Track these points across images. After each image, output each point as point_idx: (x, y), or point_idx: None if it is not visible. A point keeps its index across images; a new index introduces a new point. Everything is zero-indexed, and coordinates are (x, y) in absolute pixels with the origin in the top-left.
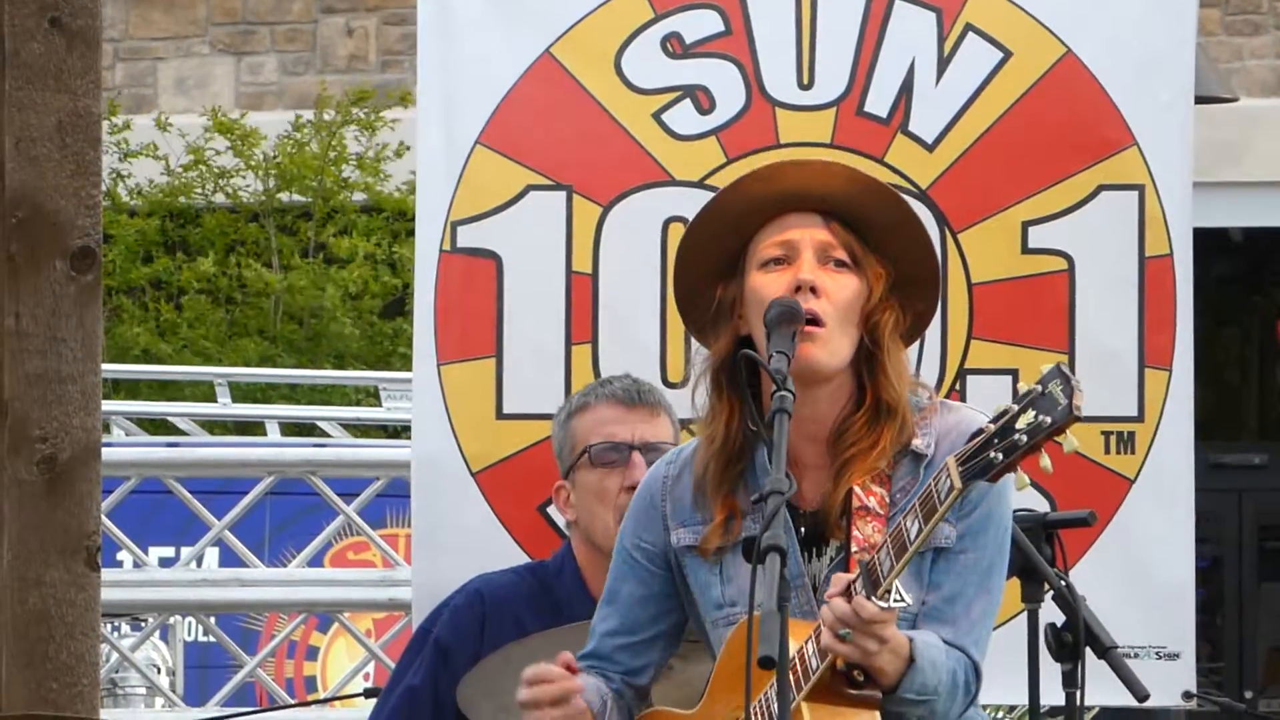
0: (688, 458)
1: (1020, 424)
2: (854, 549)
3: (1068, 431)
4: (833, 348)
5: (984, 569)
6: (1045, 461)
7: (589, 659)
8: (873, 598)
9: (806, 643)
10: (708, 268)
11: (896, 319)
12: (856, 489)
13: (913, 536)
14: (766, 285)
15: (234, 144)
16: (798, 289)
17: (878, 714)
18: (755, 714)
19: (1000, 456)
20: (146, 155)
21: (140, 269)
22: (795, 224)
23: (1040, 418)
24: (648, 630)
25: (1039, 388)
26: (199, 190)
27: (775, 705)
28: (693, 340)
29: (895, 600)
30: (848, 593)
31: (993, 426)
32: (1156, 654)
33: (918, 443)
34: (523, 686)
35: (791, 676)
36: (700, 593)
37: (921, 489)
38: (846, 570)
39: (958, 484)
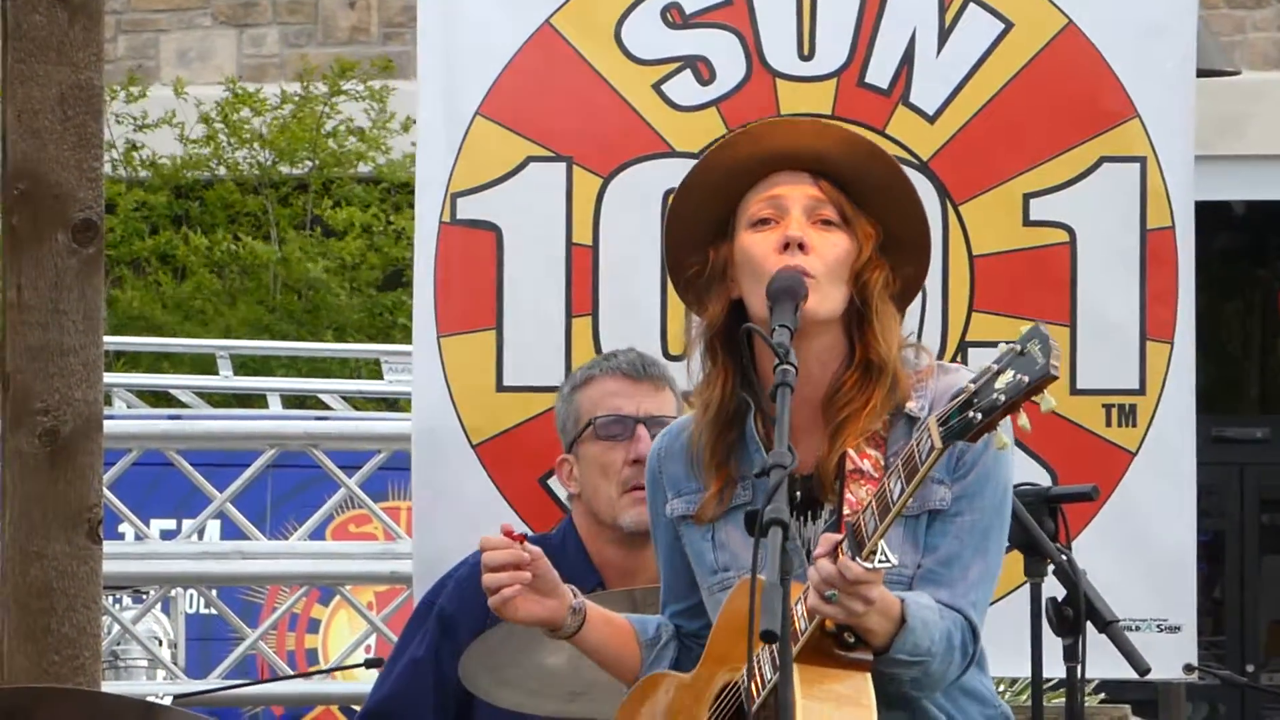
0: (679, 429)
1: (999, 383)
2: (846, 512)
3: (1045, 391)
4: (823, 294)
5: (981, 531)
6: (1024, 420)
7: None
8: (857, 558)
9: (796, 604)
10: (698, 230)
11: (886, 279)
12: (850, 452)
13: (895, 497)
14: (756, 244)
15: (238, 120)
16: (786, 245)
17: (869, 675)
18: (746, 677)
19: (979, 416)
20: (166, 124)
21: (143, 242)
22: (784, 182)
23: (1019, 376)
24: (693, 596)
25: (1017, 347)
26: (211, 162)
27: (768, 670)
28: (689, 319)
29: (881, 561)
30: (834, 554)
31: (972, 386)
32: (1158, 627)
33: (912, 405)
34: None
35: (770, 653)
36: (696, 559)
37: (904, 450)
38: (839, 534)
39: (938, 444)
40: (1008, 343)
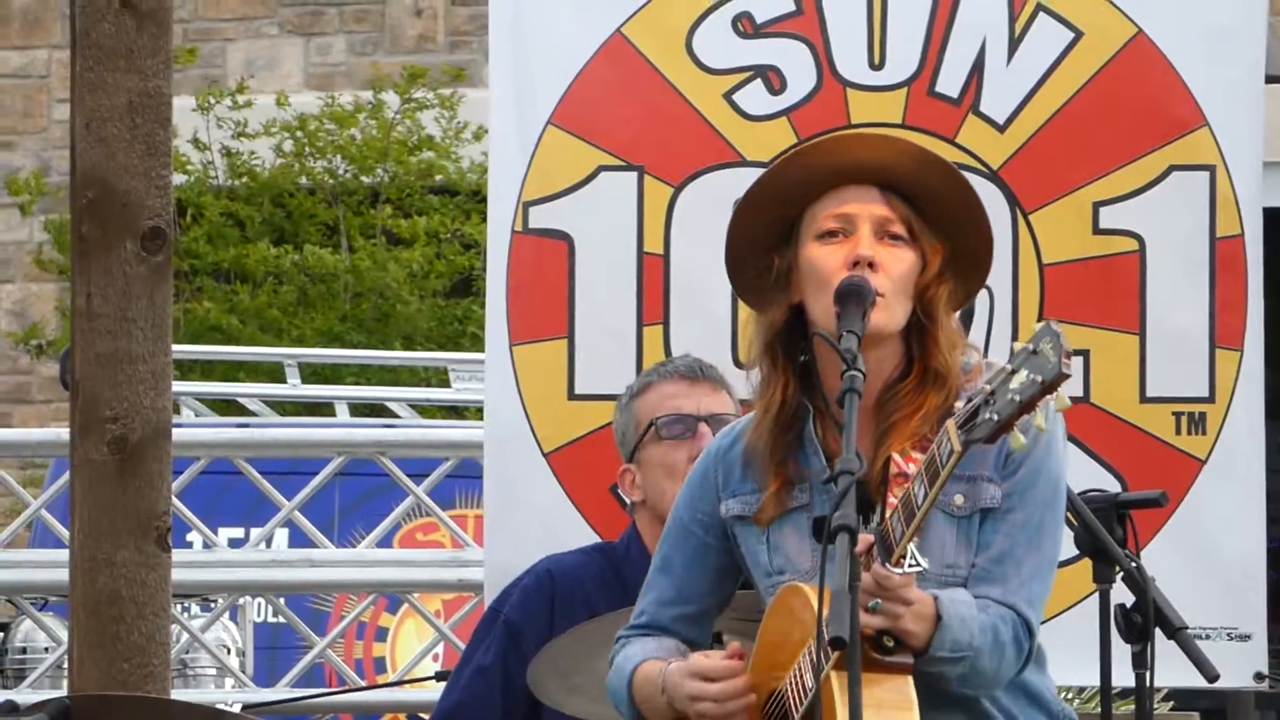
0: (741, 430)
1: (1014, 383)
2: (889, 514)
3: (1058, 391)
4: (889, 314)
5: (1034, 526)
6: (1040, 419)
7: (643, 629)
8: (887, 564)
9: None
10: (761, 234)
11: (950, 292)
12: (895, 456)
13: (920, 501)
14: (823, 257)
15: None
16: (855, 264)
17: (910, 678)
18: (788, 686)
19: (995, 417)
20: (268, 133)
21: (224, 252)
22: (853, 197)
23: (1032, 376)
24: (705, 600)
25: (1030, 346)
26: (295, 171)
27: (808, 678)
28: (751, 322)
29: (910, 565)
30: (868, 562)
31: (988, 388)
32: (1228, 635)
33: (959, 405)
34: (694, 679)
35: (820, 645)
36: (751, 560)
37: (926, 454)
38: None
39: (956, 447)
40: (1023, 343)
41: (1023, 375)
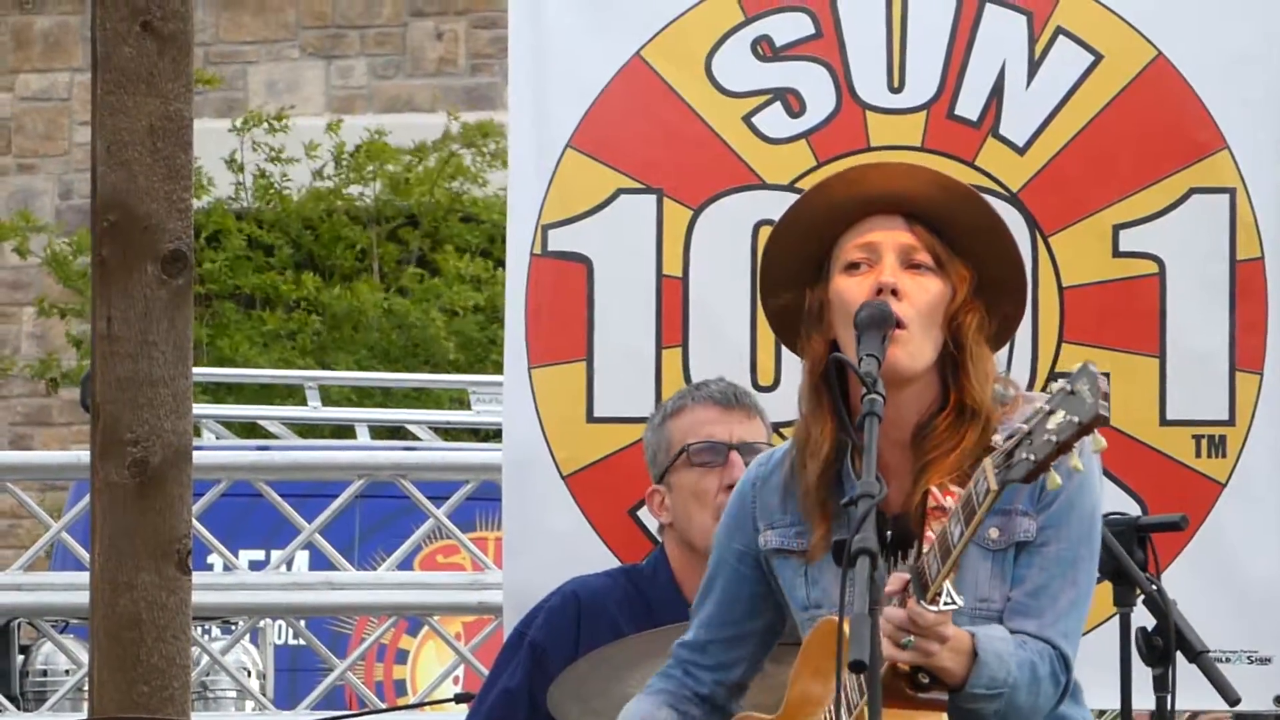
0: (778, 460)
1: (1050, 424)
2: (925, 549)
3: (1095, 433)
4: (914, 349)
5: (1069, 561)
6: (1075, 460)
7: (684, 647)
8: (922, 602)
9: None
10: (793, 271)
11: (980, 321)
12: (934, 489)
13: (955, 539)
14: (849, 289)
15: (359, 159)
16: (879, 292)
17: (944, 716)
18: (835, 707)
19: (1031, 457)
20: (310, 156)
21: (251, 278)
22: (878, 226)
23: (1069, 417)
24: (741, 626)
25: (1067, 387)
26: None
27: (843, 713)
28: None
29: (946, 603)
30: (903, 598)
31: (1026, 428)
32: (1248, 658)
33: (997, 438)
34: None
35: (856, 680)
36: (789, 593)
37: (963, 494)
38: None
39: (993, 485)
40: (1062, 377)
41: (1060, 416)
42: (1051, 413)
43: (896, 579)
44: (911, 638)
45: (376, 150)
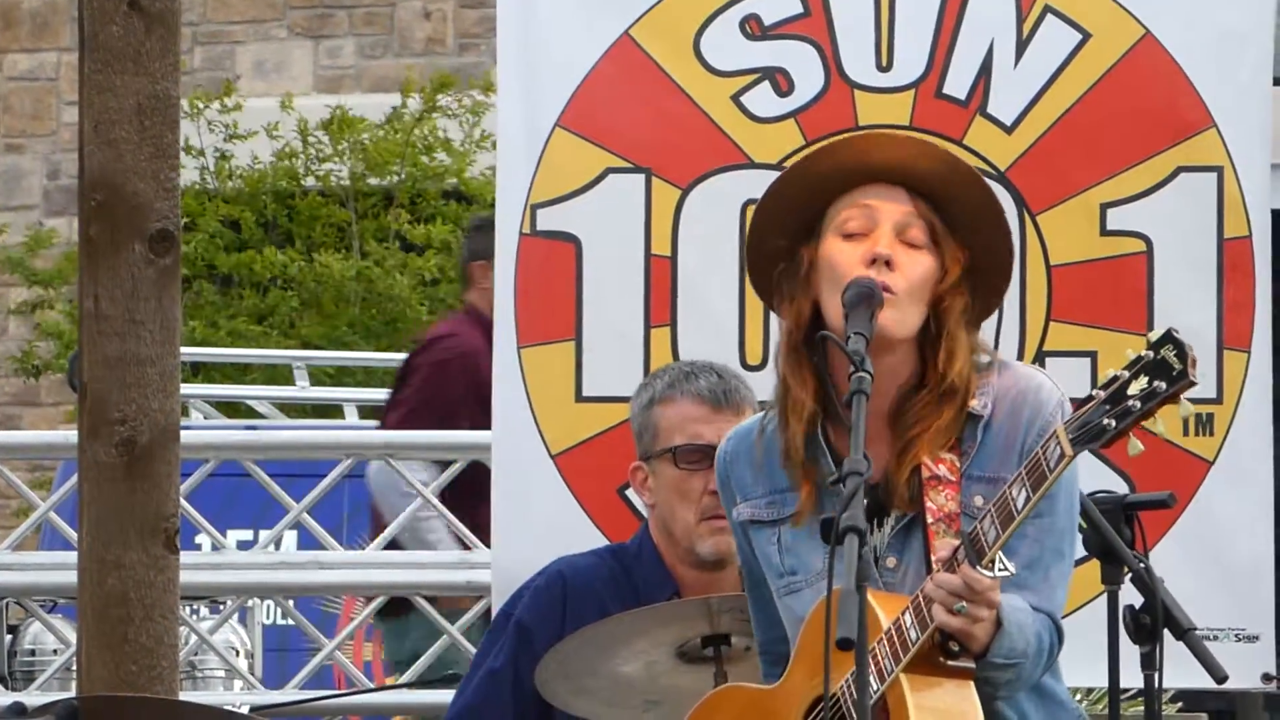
0: (746, 432)
1: (1133, 390)
2: (929, 520)
3: (1182, 398)
4: (901, 315)
5: (1058, 533)
6: (1136, 445)
7: (762, 656)
8: (978, 567)
9: (904, 614)
10: (787, 228)
11: (965, 305)
12: (925, 459)
13: (1020, 506)
14: (842, 253)
15: (333, 133)
16: (873, 261)
17: (972, 684)
18: (843, 692)
19: (1113, 423)
20: (270, 134)
21: (226, 257)
22: (879, 194)
23: (1155, 383)
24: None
25: (1150, 353)
26: (301, 173)
27: (877, 680)
28: (773, 320)
29: (1000, 570)
30: (950, 565)
31: (1102, 393)
32: (1236, 636)
33: (974, 403)
34: None
35: (889, 648)
36: (764, 563)
37: (1029, 457)
38: (909, 536)
39: (1069, 451)
40: (1136, 352)
41: (1143, 381)
42: (1133, 378)
43: (946, 544)
44: (964, 604)
45: (346, 123)
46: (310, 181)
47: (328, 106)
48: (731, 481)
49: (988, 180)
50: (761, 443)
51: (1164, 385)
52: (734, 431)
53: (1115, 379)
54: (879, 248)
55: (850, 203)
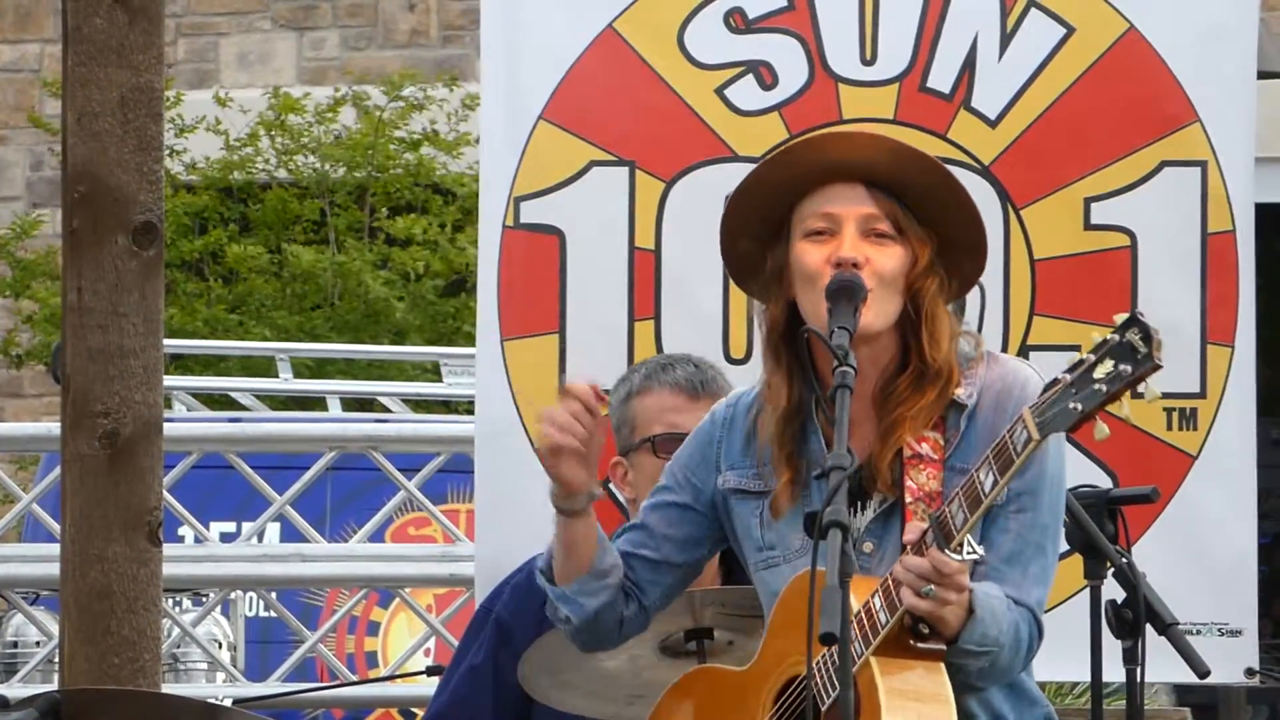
0: (746, 404)
1: (1098, 374)
2: (908, 499)
3: (1147, 381)
4: (877, 309)
5: (1040, 527)
6: (1103, 428)
7: (636, 529)
8: (946, 550)
9: (873, 597)
10: (753, 229)
11: (940, 284)
12: (909, 439)
13: (987, 489)
14: (810, 254)
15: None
16: (839, 265)
17: (943, 666)
18: (819, 670)
19: (1079, 407)
20: (208, 130)
21: (191, 242)
22: (839, 195)
23: (1120, 367)
24: (668, 553)
25: (1115, 336)
26: (259, 165)
27: (835, 673)
28: (755, 315)
29: (968, 553)
30: (919, 548)
31: (1068, 377)
32: (1219, 631)
33: (960, 393)
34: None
35: (859, 631)
36: (743, 533)
37: (995, 441)
38: (889, 521)
39: (1035, 435)
40: (1113, 328)
41: (1108, 365)
42: (1098, 362)
43: (914, 528)
44: (932, 586)
45: (287, 105)
46: (283, 174)
47: (267, 95)
48: (723, 445)
49: (965, 170)
50: (758, 418)
51: (1129, 369)
52: (732, 396)
53: (1081, 363)
54: (843, 252)
55: (812, 205)
